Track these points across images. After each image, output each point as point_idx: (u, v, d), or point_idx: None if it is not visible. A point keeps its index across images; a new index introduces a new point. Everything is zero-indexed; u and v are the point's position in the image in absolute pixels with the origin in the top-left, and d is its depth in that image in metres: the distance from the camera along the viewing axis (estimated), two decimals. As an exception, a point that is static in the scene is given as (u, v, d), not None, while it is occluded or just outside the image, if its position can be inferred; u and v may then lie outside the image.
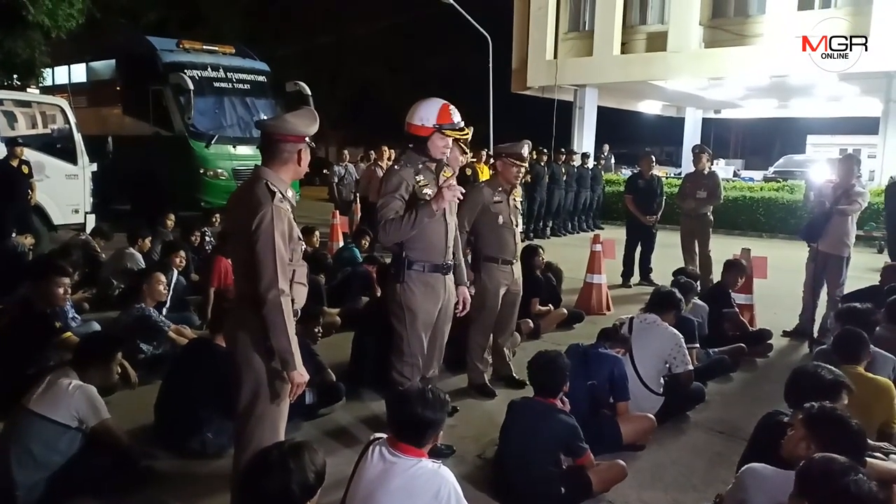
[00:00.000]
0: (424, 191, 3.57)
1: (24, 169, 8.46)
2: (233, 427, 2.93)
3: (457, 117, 3.58)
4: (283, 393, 2.73)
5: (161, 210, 8.67)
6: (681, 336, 4.30)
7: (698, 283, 5.78)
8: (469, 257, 4.68)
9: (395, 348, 3.74)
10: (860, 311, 4.13)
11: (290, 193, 2.75)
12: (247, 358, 2.70)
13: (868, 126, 22.41)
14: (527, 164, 4.71)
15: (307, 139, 2.76)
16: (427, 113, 3.54)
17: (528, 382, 4.55)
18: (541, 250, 6.40)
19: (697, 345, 4.88)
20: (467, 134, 3.72)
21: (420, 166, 3.62)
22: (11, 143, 8.40)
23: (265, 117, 12.54)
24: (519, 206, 4.80)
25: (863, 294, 5.44)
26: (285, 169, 2.75)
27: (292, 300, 2.66)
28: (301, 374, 2.65)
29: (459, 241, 4.00)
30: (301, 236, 2.84)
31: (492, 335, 4.85)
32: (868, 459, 2.52)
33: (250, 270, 2.61)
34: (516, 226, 4.70)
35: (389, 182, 3.57)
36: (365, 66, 31.21)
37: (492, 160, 7.39)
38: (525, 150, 4.57)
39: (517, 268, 4.81)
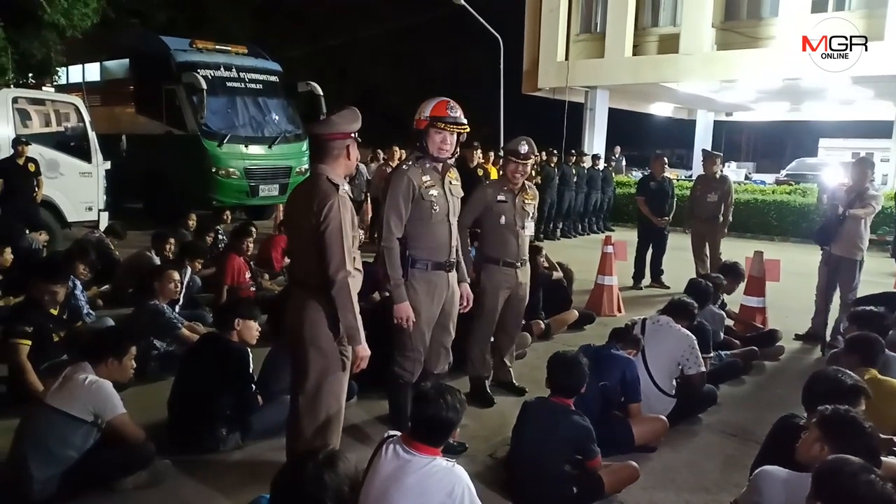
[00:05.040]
0: (430, 192, 3.62)
1: (31, 166, 8.51)
2: (294, 403, 3.15)
3: (454, 112, 3.58)
4: (346, 367, 3.02)
5: (174, 209, 8.69)
6: (693, 338, 4.28)
7: (720, 293, 5.73)
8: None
9: (398, 343, 3.79)
10: (874, 314, 4.11)
11: (346, 187, 2.99)
12: (314, 337, 2.97)
13: (881, 130, 22.26)
14: (529, 163, 4.53)
15: (353, 135, 3.03)
16: (425, 107, 3.62)
17: (527, 390, 4.61)
18: (543, 250, 6.41)
19: (711, 354, 4.81)
20: (465, 128, 3.66)
21: (427, 166, 3.66)
22: (17, 141, 8.44)
23: (277, 117, 12.74)
24: (529, 210, 4.61)
25: (877, 299, 5.40)
26: (337, 164, 3.03)
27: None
28: (365, 349, 2.97)
29: (460, 239, 4.02)
30: (357, 226, 3.08)
31: (494, 339, 4.74)
32: (882, 459, 2.51)
33: (317, 257, 2.88)
34: (522, 228, 4.55)
35: (398, 182, 3.61)
36: (374, 68, 31.27)
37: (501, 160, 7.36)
38: (523, 148, 4.43)
39: (523, 272, 4.63)
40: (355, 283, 3.00)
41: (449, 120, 3.56)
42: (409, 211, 3.60)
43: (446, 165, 3.75)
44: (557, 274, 6.49)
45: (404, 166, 3.68)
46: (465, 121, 3.63)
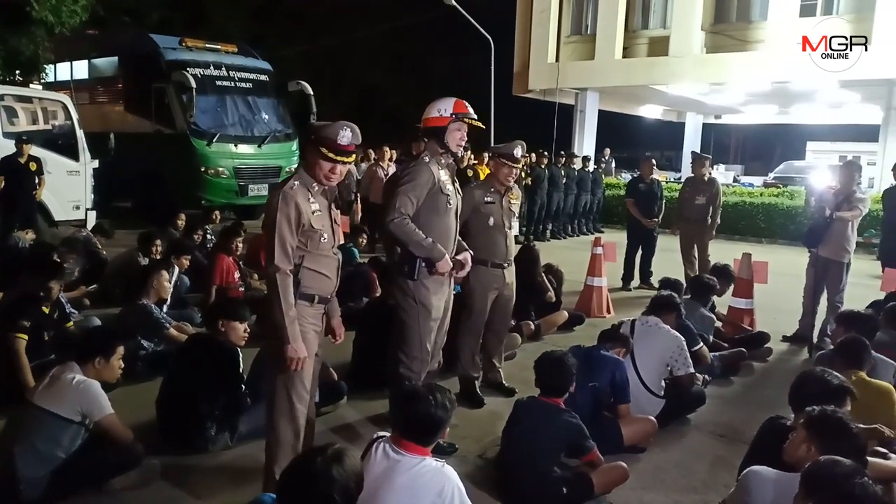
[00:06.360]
0: (447, 187, 3.71)
1: (33, 165, 8.60)
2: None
3: (470, 109, 3.73)
4: (299, 367, 2.91)
5: (164, 207, 8.67)
6: (682, 339, 4.31)
7: (712, 295, 5.73)
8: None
9: (404, 344, 3.75)
10: (861, 316, 4.15)
11: (315, 188, 3.00)
12: (270, 336, 2.95)
13: (868, 133, 22.47)
14: (520, 166, 4.57)
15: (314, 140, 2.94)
16: (444, 105, 3.70)
17: (517, 390, 4.60)
18: (538, 252, 6.39)
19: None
20: (481, 124, 3.81)
21: (442, 162, 3.74)
22: (19, 139, 8.48)
23: (267, 117, 12.70)
24: (515, 210, 4.67)
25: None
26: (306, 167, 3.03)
27: (309, 287, 2.96)
28: (294, 349, 2.86)
29: None
30: (315, 226, 2.98)
31: (483, 340, 4.74)
32: (869, 459, 2.54)
33: None
34: (509, 228, 4.57)
35: (419, 173, 3.65)
36: (368, 68, 31.24)
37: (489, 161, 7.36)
38: (518, 152, 4.44)
39: (510, 272, 4.65)
40: (320, 284, 3.03)
41: (471, 115, 3.70)
42: (421, 201, 3.64)
43: (452, 165, 3.84)
44: (549, 294, 6.45)
45: (426, 158, 3.72)
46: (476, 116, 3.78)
